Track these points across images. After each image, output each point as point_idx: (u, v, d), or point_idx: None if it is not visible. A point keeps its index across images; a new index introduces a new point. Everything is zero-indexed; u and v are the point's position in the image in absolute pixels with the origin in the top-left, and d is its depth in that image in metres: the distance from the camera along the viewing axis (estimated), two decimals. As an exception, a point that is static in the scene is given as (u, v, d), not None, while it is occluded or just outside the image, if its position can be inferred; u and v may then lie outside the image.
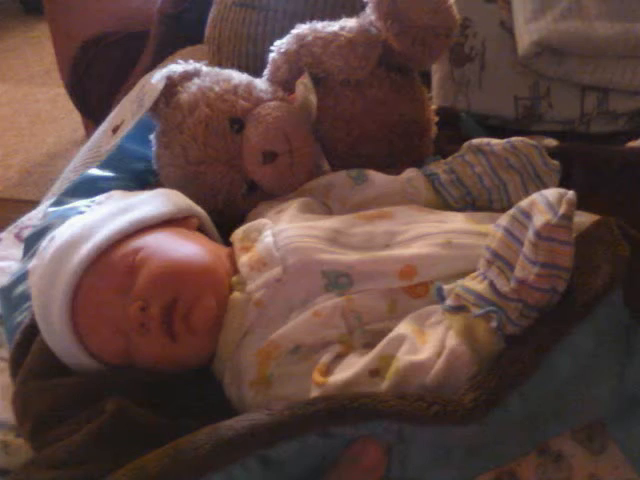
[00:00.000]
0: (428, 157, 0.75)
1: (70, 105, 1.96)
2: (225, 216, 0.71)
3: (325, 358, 0.52)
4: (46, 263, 0.59)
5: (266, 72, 0.79)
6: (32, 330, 0.62)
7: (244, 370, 0.55)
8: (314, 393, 0.49)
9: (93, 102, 1.78)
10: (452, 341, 0.48)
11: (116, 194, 0.71)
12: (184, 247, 0.60)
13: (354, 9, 0.79)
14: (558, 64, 0.98)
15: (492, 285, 0.48)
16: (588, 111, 0.99)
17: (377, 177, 0.69)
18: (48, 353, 0.59)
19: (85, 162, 1.10)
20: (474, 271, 0.51)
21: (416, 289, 0.55)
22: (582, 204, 0.49)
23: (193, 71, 0.76)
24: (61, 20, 1.87)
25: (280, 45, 0.77)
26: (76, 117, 2.20)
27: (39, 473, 0.51)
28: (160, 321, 0.55)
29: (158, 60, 1.37)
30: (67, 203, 0.81)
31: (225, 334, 0.57)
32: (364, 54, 0.72)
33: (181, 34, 1.46)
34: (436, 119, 0.81)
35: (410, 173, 0.69)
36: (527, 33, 0.97)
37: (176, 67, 0.77)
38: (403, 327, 0.51)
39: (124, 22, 1.71)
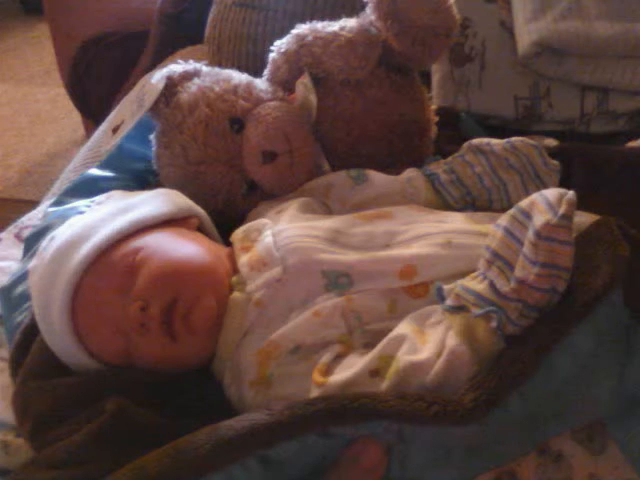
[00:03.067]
0: (428, 157, 0.75)
1: (70, 105, 1.96)
2: (225, 216, 0.71)
3: (325, 358, 0.52)
4: (46, 263, 0.59)
5: (266, 72, 0.79)
6: (32, 330, 0.62)
7: (244, 370, 0.55)
8: (314, 393, 0.49)
9: (93, 102, 1.78)
10: (452, 341, 0.48)
11: (116, 194, 0.71)
12: (184, 247, 0.60)
13: (354, 9, 0.79)
14: (558, 64, 0.98)
15: (492, 285, 0.48)
16: (588, 111, 0.99)
17: (377, 177, 0.69)
18: (48, 353, 0.59)
19: (85, 162, 1.09)
20: (474, 271, 0.51)
21: (416, 289, 0.55)
22: (582, 204, 0.49)
23: (193, 71, 0.76)
24: (61, 20, 1.87)
25: (280, 45, 0.77)
26: (76, 117, 2.20)
27: (39, 473, 0.51)
28: (160, 321, 0.55)
29: (158, 60, 1.37)
30: (67, 203, 0.81)
31: (225, 334, 0.57)
32: (364, 54, 0.72)
33: (181, 34, 1.45)
34: (436, 119, 0.81)
35: (410, 173, 0.70)
36: (527, 33, 0.97)
37: (176, 67, 0.77)
38: (403, 327, 0.51)
39: (124, 22, 1.71)
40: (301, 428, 0.44)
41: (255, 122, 0.70)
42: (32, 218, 0.96)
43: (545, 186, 0.65)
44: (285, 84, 0.76)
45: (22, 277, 0.73)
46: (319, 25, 0.76)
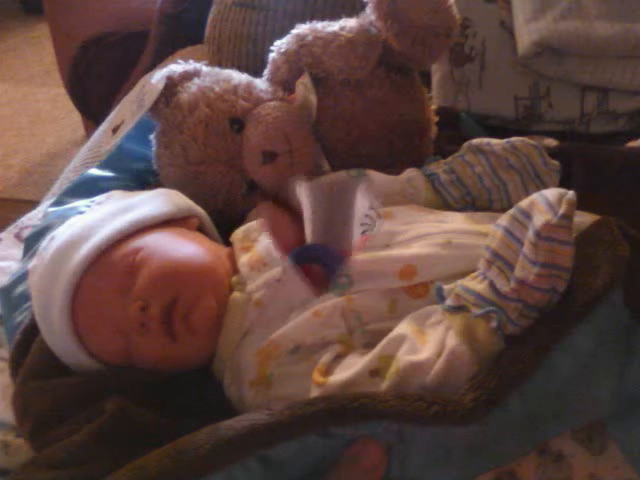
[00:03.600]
0: (428, 157, 0.75)
1: (70, 105, 1.96)
2: (225, 216, 0.71)
3: (325, 358, 0.52)
4: (46, 263, 0.59)
5: (266, 72, 0.79)
6: (32, 330, 0.62)
7: (244, 370, 0.55)
8: (314, 393, 0.49)
9: (93, 102, 1.78)
10: (452, 341, 0.48)
11: (116, 194, 0.71)
12: (184, 247, 0.60)
13: (354, 9, 0.79)
14: (558, 64, 0.98)
15: (492, 285, 0.48)
16: (588, 111, 0.99)
17: (377, 177, 0.69)
18: (48, 353, 0.59)
19: (85, 162, 1.10)
20: (474, 271, 0.51)
21: (416, 289, 0.55)
22: (582, 204, 0.49)
23: (193, 71, 0.76)
24: (61, 20, 1.87)
25: (280, 45, 0.77)
26: (76, 117, 2.20)
27: (39, 473, 0.51)
28: (160, 321, 0.55)
29: (158, 60, 1.37)
30: (67, 203, 0.81)
31: (225, 334, 0.57)
32: (364, 54, 0.72)
33: (181, 34, 1.46)
34: (436, 119, 0.81)
35: (410, 173, 0.69)
36: (527, 33, 0.97)
37: (176, 67, 0.77)
38: (403, 327, 0.51)
39: (124, 22, 1.71)
40: (301, 428, 0.44)
41: (255, 122, 0.70)
42: (32, 218, 0.96)
43: (545, 186, 0.65)
44: (285, 84, 0.76)
45: (22, 277, 0.73)
46: (319, 25, 0.75)
